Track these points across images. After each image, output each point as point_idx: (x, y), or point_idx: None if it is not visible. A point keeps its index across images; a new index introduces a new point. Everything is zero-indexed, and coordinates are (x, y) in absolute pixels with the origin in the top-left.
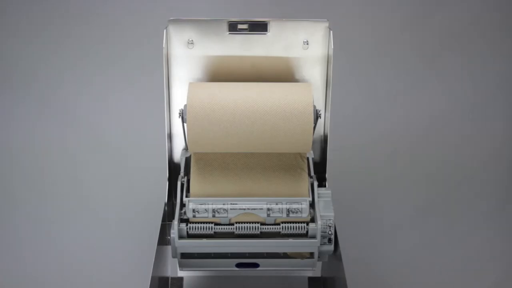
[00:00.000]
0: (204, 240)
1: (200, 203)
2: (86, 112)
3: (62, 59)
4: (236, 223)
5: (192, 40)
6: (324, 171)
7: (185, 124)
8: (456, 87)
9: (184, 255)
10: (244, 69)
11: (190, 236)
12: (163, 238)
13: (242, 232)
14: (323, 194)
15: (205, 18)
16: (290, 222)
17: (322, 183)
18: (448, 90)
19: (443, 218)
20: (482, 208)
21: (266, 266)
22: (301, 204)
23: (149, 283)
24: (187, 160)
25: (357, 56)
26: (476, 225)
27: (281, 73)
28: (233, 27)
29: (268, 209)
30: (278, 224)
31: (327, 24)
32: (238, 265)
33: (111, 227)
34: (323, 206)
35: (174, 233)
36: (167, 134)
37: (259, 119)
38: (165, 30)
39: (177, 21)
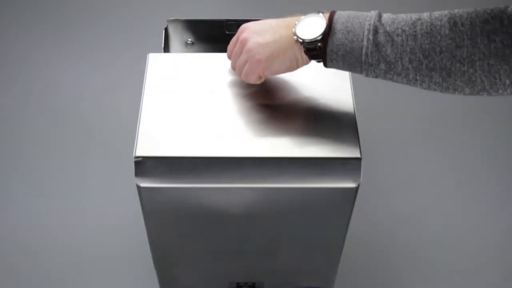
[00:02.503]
0: None
1: None
2: (84, 113)
3: (60, 58)
4: None
5: (191, 41)
6: None
7: None
8: None
9: None
10: None
11: None
12: None
13: None
14: None
15: (204, 19)
16: None
17: None
18: None
19: (445, 217)
20: (482, 208)
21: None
22: None
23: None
24: None
25: None
26: (480, 223)
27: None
28: (232, 27)
29: None
30: None
31: None
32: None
33: (110, 227)
34: None
35: None
36: None
37: None
38: (164, 30)
39: (176, 21)
